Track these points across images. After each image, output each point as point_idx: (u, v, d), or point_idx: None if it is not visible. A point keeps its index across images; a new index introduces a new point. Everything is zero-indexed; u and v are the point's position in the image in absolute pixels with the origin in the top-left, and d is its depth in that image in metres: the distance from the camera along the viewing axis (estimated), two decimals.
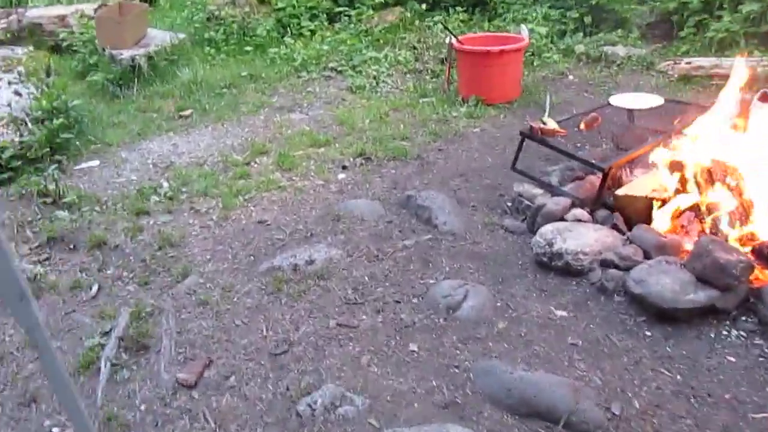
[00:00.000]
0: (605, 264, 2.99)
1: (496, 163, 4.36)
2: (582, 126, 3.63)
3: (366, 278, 3.19)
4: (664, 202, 3.19)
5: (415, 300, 3.00)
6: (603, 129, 4.05)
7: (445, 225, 3.52)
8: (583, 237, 3.07)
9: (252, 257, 3.43)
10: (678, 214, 3.20)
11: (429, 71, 6.26)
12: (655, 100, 3.89)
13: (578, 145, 4.22)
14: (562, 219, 3.29)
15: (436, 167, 4.36)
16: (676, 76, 5.62)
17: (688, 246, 3.00)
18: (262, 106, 5.69)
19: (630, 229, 3.23)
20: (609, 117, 4.14)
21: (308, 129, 5.12)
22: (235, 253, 3.48)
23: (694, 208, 3.14)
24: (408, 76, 6.25)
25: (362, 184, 4.19)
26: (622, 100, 3.97)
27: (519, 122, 5.02)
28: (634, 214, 3.26)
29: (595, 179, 3.44)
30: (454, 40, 5.41)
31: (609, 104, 4.00)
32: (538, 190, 3.54)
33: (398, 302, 3.00)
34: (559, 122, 3.77)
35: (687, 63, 5.67)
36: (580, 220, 3.24)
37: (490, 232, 3.50)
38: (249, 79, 6.32)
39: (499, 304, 2.93)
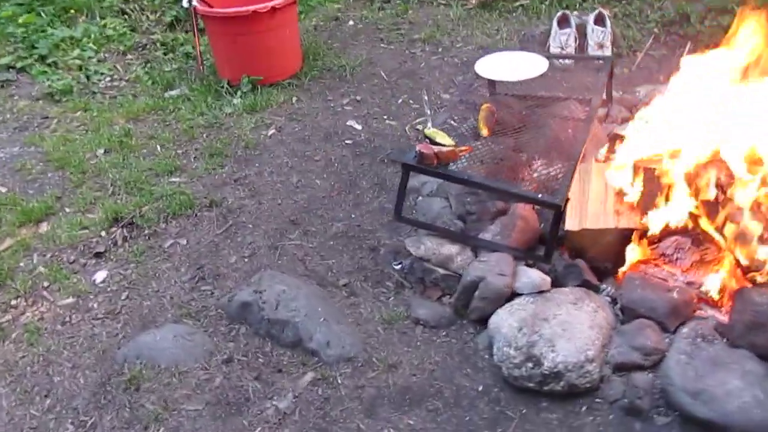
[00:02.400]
0: (623, 368, 1.90)
1: (330, 186, 2.97)
2: (485, 131, 2.39)
3: None
4: (641, 231, 2.18)
5: None
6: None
7: (330, 347, 2.10)
8: (573, 329, 1.93)
9: None
10: (657, 239, 2.22)
11: (158, 45, 4.40)
12: (534, 61, 2.79)
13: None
14: (513, 294, 2.11)
15: (248, 217, 2.82)
16: (473, 1, 4.62)
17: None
18: None
19: (599, 279, 2.19)
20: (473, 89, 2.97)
21: (5, 191, 3.12)
22: None
23: (686, 229, 2.18)
24: (130, 57, 4.34)
25: (145, 284, 2.51)
26: (493, 67, 2.80)
27: (323, 105, 3.62)
28: (599, 254, 2.21)
29: (527, 212, 2.29)
30: (195, 2, 3.68)
31: (477, 76, 2.80)
32: (450, 246, 2.27)
33: None
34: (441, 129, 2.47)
35: None
36: (542, 291, 2.09)
37: (402, 337, 2.18)
38: None
39: None
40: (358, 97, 3.68)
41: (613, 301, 2.11)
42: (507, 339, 1.95)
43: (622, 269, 2.20)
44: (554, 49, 3.83)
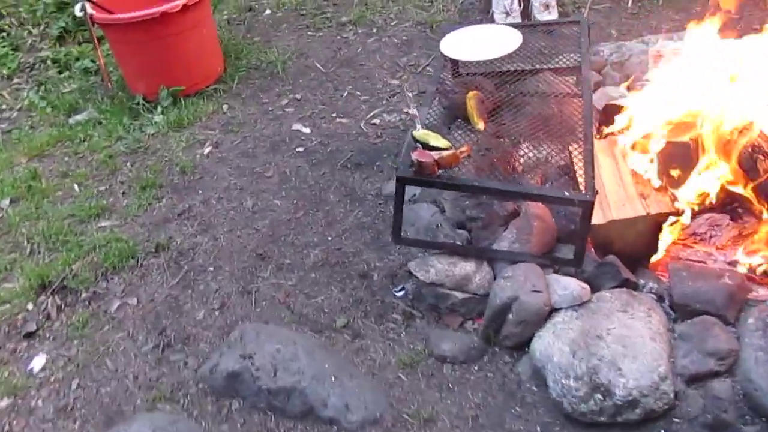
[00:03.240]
0: (697, 378, 1.65)
1: (293, 206, 2.57)
2: (480, 124, 2.05)
3: None
4: (673, 215, 1.93)
5: None
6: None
7: (351, 411, 1.74)
8: (634, 343, 1.66)
9: None
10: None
11: (50, 62, 3.79)
12: (503, 34, 2.47)
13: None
14: (552, 310, 1.81)
15: (205, 258, 2.39)
16: None
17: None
18: None
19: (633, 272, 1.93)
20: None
21: None
22: None
23: (723, 205, 1.96)
24: (17, 81, 3.73)
25: (97, 364, 2.05)
26: (460, 47, 2.46)
27: (259, 110, 3.20)
28: (629, 246, 1.95)
29: (541, 210, 1.99)
30: (89, 8, 3.12)
31: (445, 57, 2.46)
32: (464, 264, 1.94)
33: None
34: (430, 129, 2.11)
35: None
36: (583, 303, 1.80)
37: (430, 381, 1.84)
38: None
39: None
40: (298, 96, 3.27)
41: (659, 298, 1.85)
42: (563, 368, 1.66)
43: (654, 258, 1.96)
44: (499, 15, 3.54)
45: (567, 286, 1.81)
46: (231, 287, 2.24)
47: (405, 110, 3.05)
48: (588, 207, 1.76)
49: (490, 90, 2.47)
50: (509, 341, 1.83)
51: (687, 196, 1.92)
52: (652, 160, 1.97)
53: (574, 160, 1.97)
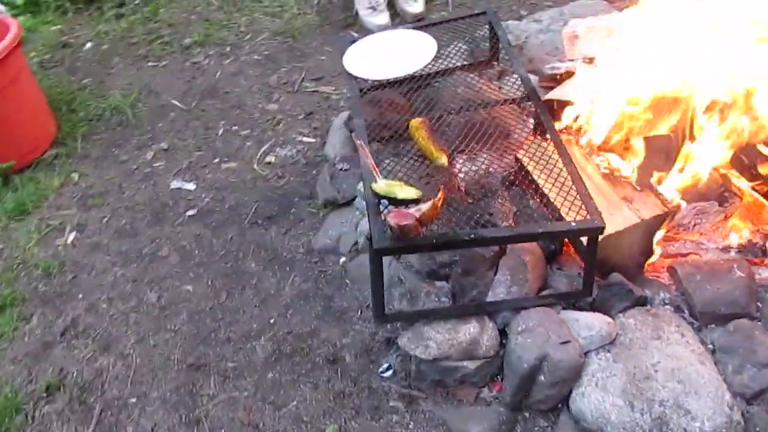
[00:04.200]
0: (757, 395, 1.50)
1: (210, 288, 2.10)
2: (443, 158, 1.71)
3: None
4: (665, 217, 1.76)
5: None
6: None
7: None
8: (688, 376, 1.47)
9: None
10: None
11: None
12: (419, 41, 2.14)
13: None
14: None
15: (120, 386, 1.86)
16: None
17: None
18: None
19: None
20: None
21: None
22: None
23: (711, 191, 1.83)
24: None
25: None
26: (368, 62, 2.10)
27: (121, 171, 2.66)
28: (625, 257, 1.76)
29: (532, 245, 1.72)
30: None
31: (350, 75, 2.09)
32: (467, 327, 1.62)
33: None
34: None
35: None
36: (613, 342, 1.58)
37: None
38: None
39: None
40: (164, 145, 2.73)
41: (677, 308, 1.68)
42: (627, 428, 1.42)
43: (649, 261, 1.80)
44: (364, 11, 3.23)
45: (591, 326, 1.58)
46: (170, 419, 1.75)
47: (299, 139, 2.66)
48: (601, 233, 1.53)
49: (402, 105, 2.16)
50: (544, 405, 1.57)
51: (675, 189, 1.76)
52: (626, 159, 1.78)
53: (541, 180, 1.72)
